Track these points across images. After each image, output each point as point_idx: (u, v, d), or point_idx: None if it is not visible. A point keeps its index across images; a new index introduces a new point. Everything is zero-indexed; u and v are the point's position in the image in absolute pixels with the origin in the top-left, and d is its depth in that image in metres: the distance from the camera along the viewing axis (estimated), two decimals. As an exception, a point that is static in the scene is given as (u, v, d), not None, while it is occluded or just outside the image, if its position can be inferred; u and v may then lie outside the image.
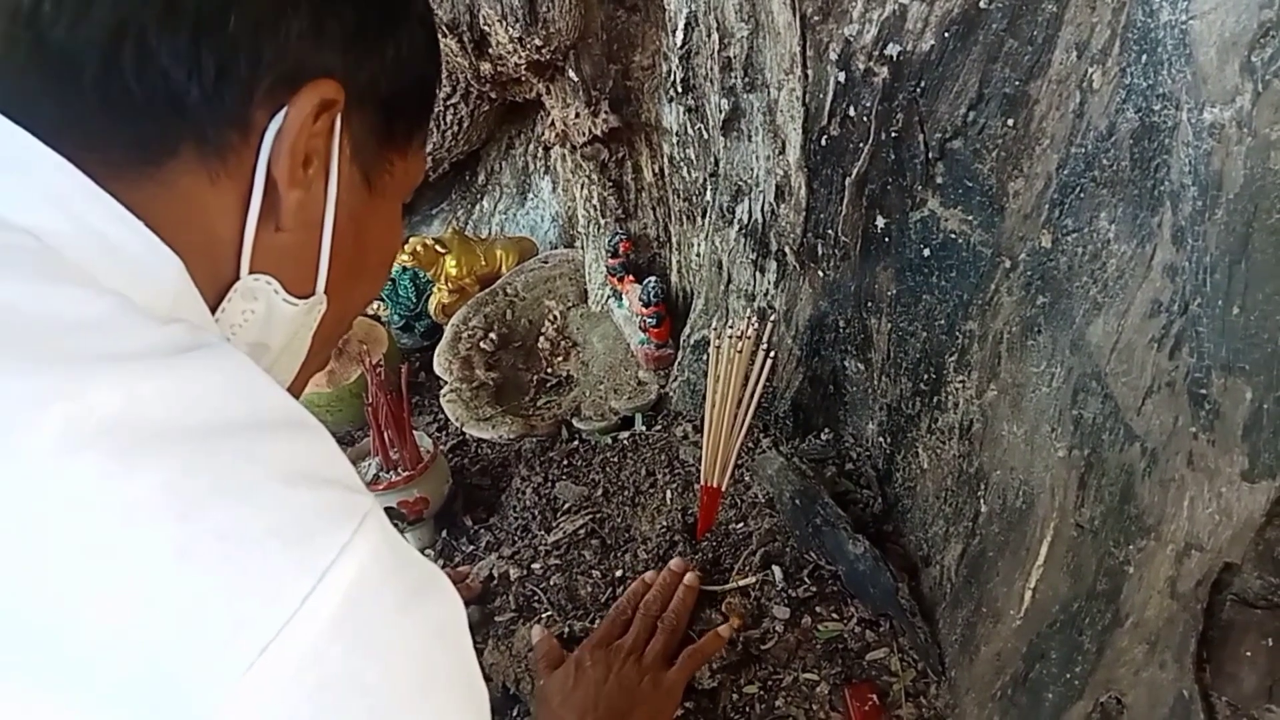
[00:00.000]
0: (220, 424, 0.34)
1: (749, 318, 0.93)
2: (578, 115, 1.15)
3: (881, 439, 1.00)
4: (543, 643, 0.90)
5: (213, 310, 0.46)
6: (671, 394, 1.22)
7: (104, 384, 0.33)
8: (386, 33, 0.48)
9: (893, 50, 0.80)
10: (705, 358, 1.17)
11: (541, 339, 1.42)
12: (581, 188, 1.35)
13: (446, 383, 1.30)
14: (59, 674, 0.29)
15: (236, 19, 0.42)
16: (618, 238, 1.31)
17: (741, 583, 0.93)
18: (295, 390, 0.55)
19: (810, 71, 0.86)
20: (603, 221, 1.34)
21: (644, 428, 1.22)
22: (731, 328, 0.93)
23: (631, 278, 1.32)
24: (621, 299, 1.35)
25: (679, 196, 1.22)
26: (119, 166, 0.41)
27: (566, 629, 0.95)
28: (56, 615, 0.29)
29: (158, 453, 0.32)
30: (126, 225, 0.41)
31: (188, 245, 0.43)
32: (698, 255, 1.24)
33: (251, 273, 0.47)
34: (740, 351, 0.90)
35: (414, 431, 1.12)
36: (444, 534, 1.15)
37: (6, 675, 0.29)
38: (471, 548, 1.13)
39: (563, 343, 1.42)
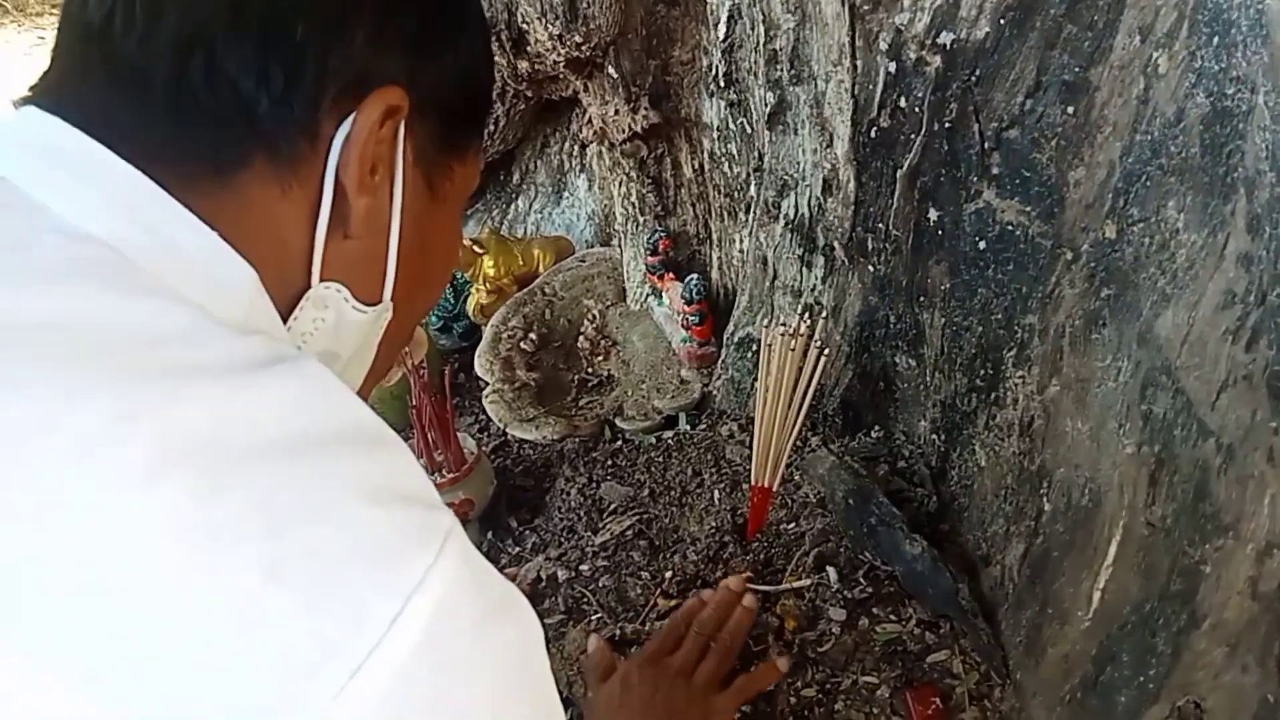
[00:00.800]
0: (304, 440, 0.34)
1: (800, 314, 0.91)
2: (617, 112, 1.14)
3: (935, 436, 0.98)
4: (596, 653, 0.89)
5: (283, 319, 0.46)
6: (715, 392, 1.21)
7: (189, 401, 0.33)
8: (447, 39, 0.49)
9: (946, 38, 0.78)
10: (750, 355, 1.16)
11: (581, 338, 1.41)
12: (619, 185, 1.34)
13: (488, 384, 1.30)
14: (152, 697, 0.29)
15: (303, 28, 0.42)
16: (657, 235, 1.30)
17: (795, 584, 0.92)
18: (360, 397, 0.55)
19: (859, 62, 0.84)
20: (641, 219, 1.33)
21: (688, 427, 1.21)
22: (782, 325, 0.91)
23: (671, 275, 1.31)
24: (661, 297, 1.34)
25: (720, 192, 1.21)
26: (192, 178, 0.41)
27: (618, 630, 0.95)
28: (150, 638, 0.29)
29: (244, 472, 0.32)
30: (201, 236, 0.41)
31: (260, 255, 0.43)
32: (740, 251, 1.22)
33: (321, 280, 0.47)
34: (793, 349, 0.88)
35: (457, 433, 1.12)
36: (489, 536, 1.15)
37: (101, 696, 0.29)
38: (518, 549, 1.13)
39: (602, 342, 1.41)
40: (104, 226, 0.39)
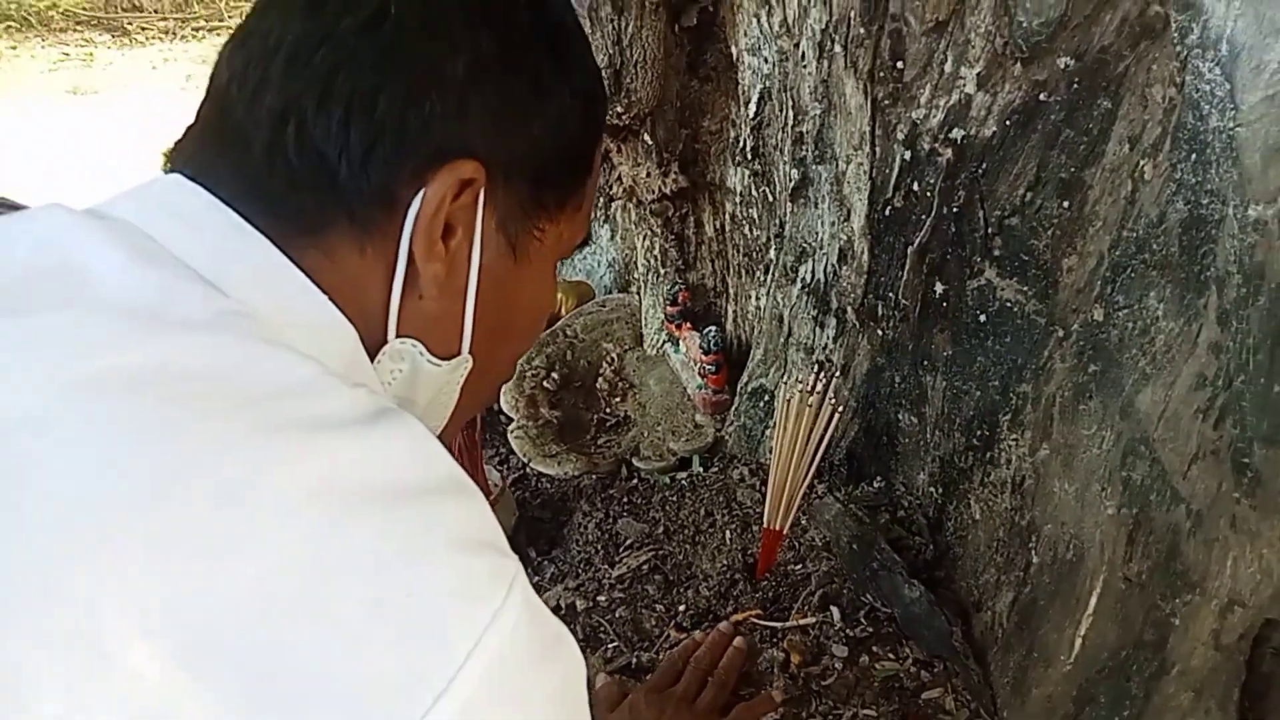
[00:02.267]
0: (405, 490, 0.39)
1: (816, 373, 0.99)
2: (648, 174, 1.23)
3: (933, 489, 1.06)
4: (605, 688, 0.95)
5: None
6: (728, 438, 1.29)
7: (313, 451, 0.37)
8: (532, 109, 0.51)
9: (957, 134, 0.87)
10: (761, 405, 1.25)
11: (600, 380, 1.49)
12: (643, 238, 1.43)
13: (513, 420, 1.38)
14: (271, 708, 0.33)
15: (384, 102, 0.45)
16: (678, 287, 1.38)
17: (801, 621, 1.00)
18: (447, 436, 0.61)
19: (878, 148, 0.93)
20: (662, 271, 1.42)
21: (701, 469, 1.29)
22: (800, 382, 1.00)
23: (689, 325, 1.39)
24: (678, 344, 1.42)
25: (739, 251, 1.30)
26: (288, 236, 0.46)
27: (634, 659, 1.02)
28: (273, 662, 0.33)
29: (357, 515, 0.36)
30: (309, 295, 0.46)
31: (348, 310, 0.48)
32: (756, 307, 1.31)
33: (398, 336, 0.51)
34: (810, 405, 0.97)
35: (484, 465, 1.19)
36: (511, 564, 1.22)
37: (231, 704, 0.33)
38: (537, 578, 1.20)
39: (620, 384, 1.49)
40: (234, 283, 0.44)
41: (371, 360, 0.51)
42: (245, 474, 0.36)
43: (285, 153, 0.45)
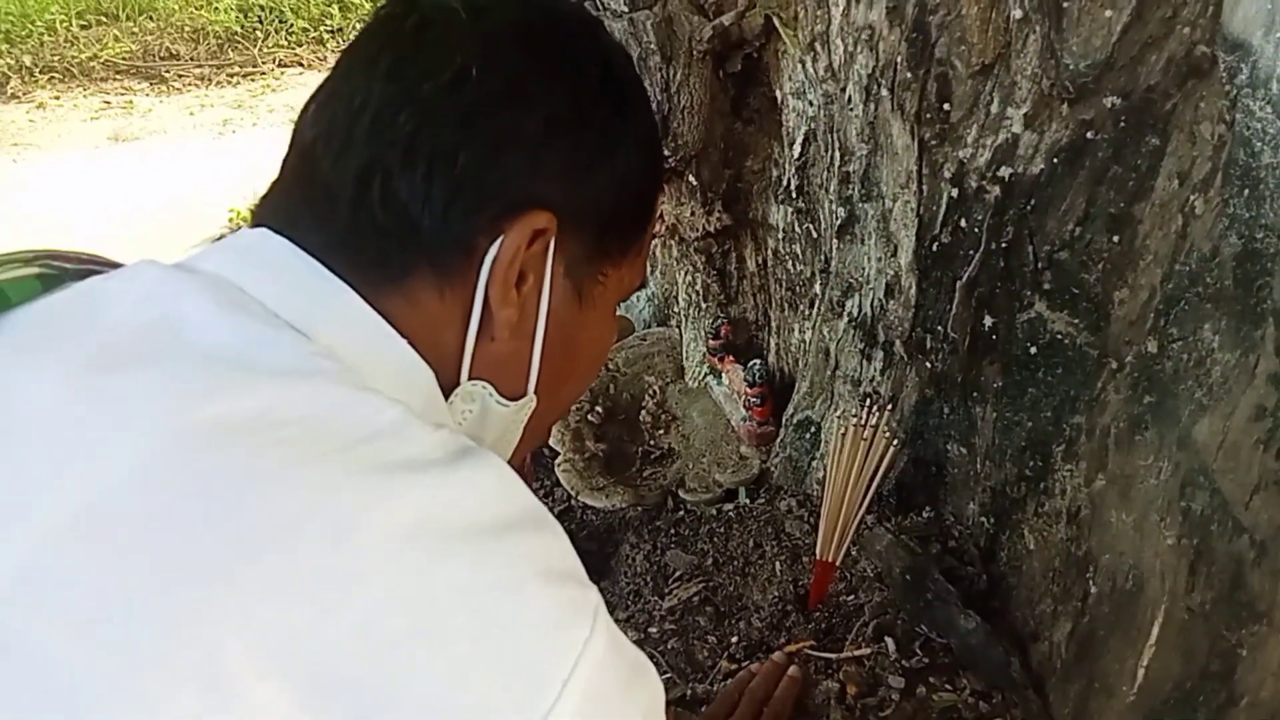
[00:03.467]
0: (494, 525, 0.40)
1: (868, 406, 1.01)
2: (692, 213, 1.26)
3: (983, 519, 1.07)
4: None
5: None
6: (773, 469, 1.30)
7: (407, 491, 0.39)
8: (600, 161, 0.53)
9: (1005, 172, 0.89)
10: (807, 436, 1.26)
11: (643, 412, 1.51)
12: (685, 274, 1.46)
13: (558, 453, 1.40)
14: None
15: (464, 159, 0.48)
16: (720, 321, 1.41)
17: (856, 652, 1.00)
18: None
19: (925, 187, 0.96)
20: (704, 305, 1.45)
21: (747, 500, 1.30)
22: (856, 416, 1.01)
23: (731, 358, 1.41)
24: (721, 377, 1.45)
25: (781, 285, 1.32)
26: (371, 283, 0.48)
27: (688, 690, 1.02)
28: (385, 691, 0.35)
29: (453, 551, 0.38)
30: (390, 341, 0.49)
31: (426, 353, 0.50)
32: (799, 340, 1.33)
33: (470, 379, 0.53)
34: (865, 438, 0.98)
35: (537, 500, 1.21)
36: (561, 597, 1.23)
37: None
38: (588, 611, 1.21)
39: (663, 416, 1.51)
40: (323, 331, 0.47)
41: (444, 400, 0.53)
42: (349, 515, 0.37)
43: (370, 206, 0.48)
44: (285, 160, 0.53)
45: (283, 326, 0.46)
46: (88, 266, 0.52)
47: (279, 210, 0.51)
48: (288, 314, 0.46)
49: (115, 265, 0.54)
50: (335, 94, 0.51)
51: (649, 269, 1.74)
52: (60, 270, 0.50)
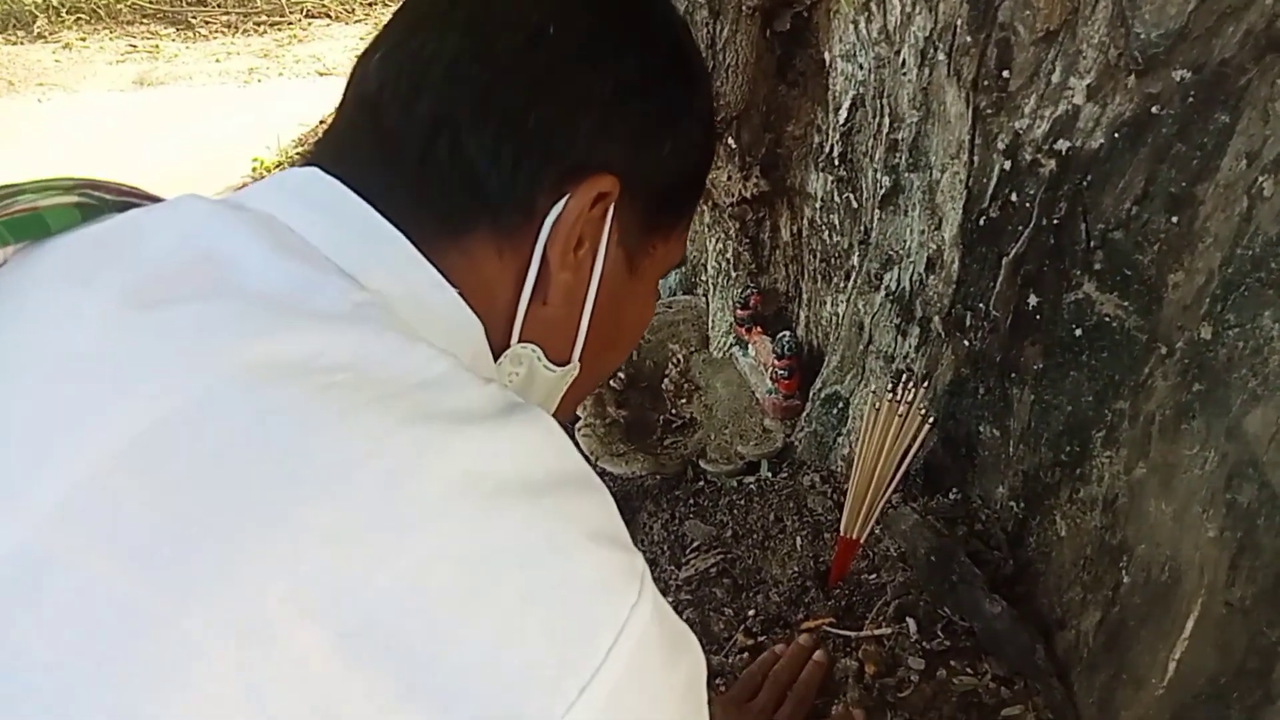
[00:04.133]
0: (544, 482, 0.39)
1: (904, 382, 0.99)
2: (729, 178, 1.23)
3: (1013, 503, 1.05)
4: None
5: None
6: (798, 443, 1.28)
7: (460, 442, 0.38)
8: (665, 131, 0.53)
9: (1062, 145, 0.86)
10: (835, 411, 1.24)
11: (665, 381, 1.49)
12: (715, 241, 1.43)
13: (579, 418, 1.38)
14: (426, 696, 0.34)
15: (535, 118, 0.48)
16: (750, 291, 1.38)
17: (876, 632, 0.99)
18: None
19: (976, 158, 0.92)
20: (734, 274, 1.42)
21: (770, 474, 1.28)
22: (889, 391, 0.99)
23: (759, 329, 1.39)
24: (747, 348, 1.42)
25: (815, 256, 1.30)
26: (429, 237, 0.48)
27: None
28: (432, 646, 0.34)
29: (504, 506, 0.37)
30: (442, 291, 0.48)
31: (477, 309, 0.49)
32: (830, 313, 1.30)
33: (520, 341, 0.52)
34: (900, 415, 0.96)
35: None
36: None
37: (390, 691, 0.33)
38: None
39: (686, 385, 1.49)
40: (373, 277, 0.45)
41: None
42: (402, 464, 0.36)
43: (437, 158, 0.47)
44: (340, 108, 0.52)
45: (332, 270, 0.45)
46: (127, 198, 0.51)
47: (336, 156, 0.50)
48: (338, 257, 0.45)
49: (154, 199, 0.53)
50: (401, 44, 0.50)
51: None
52: (100, 200, 0.49)
